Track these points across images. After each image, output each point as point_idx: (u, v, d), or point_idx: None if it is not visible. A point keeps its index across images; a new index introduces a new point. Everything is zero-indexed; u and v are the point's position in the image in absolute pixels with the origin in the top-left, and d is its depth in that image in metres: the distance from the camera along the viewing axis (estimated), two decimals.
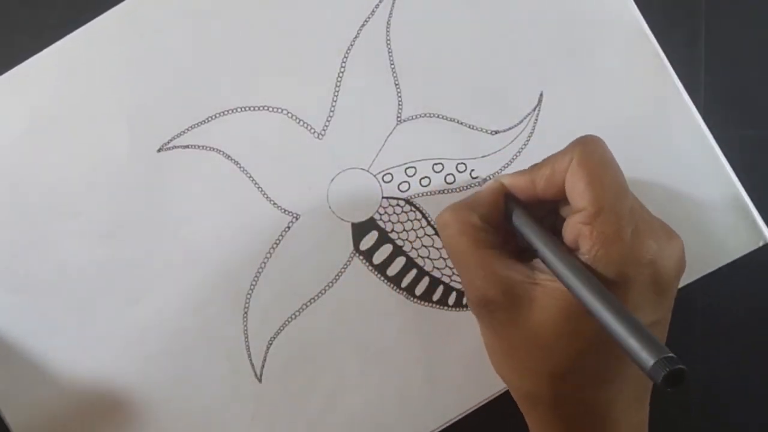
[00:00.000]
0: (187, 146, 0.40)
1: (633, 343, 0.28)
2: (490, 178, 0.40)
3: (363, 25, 0.40)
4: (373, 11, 0.40)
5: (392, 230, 0.40)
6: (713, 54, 0.43)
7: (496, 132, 0.40)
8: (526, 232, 0.34)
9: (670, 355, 0.26)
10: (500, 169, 0.40)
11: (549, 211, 0.36)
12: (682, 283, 0.40)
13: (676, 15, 0.42)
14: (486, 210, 0.35)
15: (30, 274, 0.39)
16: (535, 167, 0.35)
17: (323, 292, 0.40)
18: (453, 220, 0.35)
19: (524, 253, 0.35)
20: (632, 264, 0.32)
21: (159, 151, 0.39)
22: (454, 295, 0.40)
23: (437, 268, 0.40)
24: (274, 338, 0.39)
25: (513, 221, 0.35)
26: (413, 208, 0.40)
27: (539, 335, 0.32)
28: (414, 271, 0.40)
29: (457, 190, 0.40)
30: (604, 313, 0.29)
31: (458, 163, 0.40)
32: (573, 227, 0.33)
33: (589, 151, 0.33)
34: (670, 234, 0.35)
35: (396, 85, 0.40)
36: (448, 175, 0.40)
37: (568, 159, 0.33)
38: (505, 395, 0.40)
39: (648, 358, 0.27)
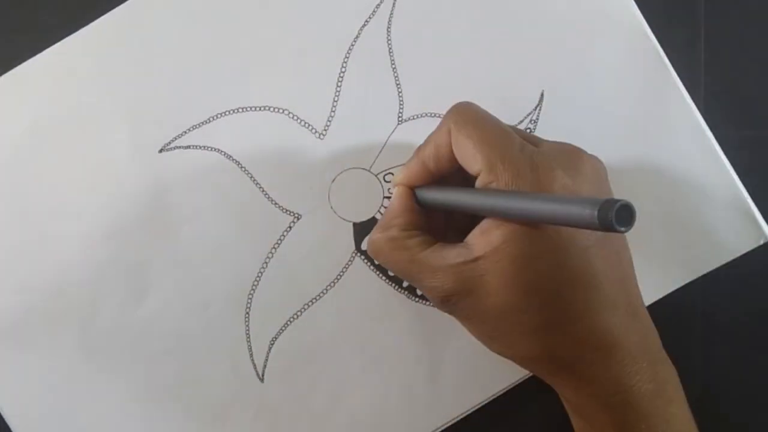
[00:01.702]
0: (188, 147, 0.39)
1: (573, 209, 0.27)
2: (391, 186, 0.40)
3: (364, 25, 0.40)
4: (374, 11, 0.40)
5: None
6: (713, 54, 0.43)
7: None
8: (440, 200, 0.35)
9: (608, 198, 0.26)
10: None
11: (457, 184, 0.36)
12: (682, 282, 0.40)
13: (676, 15, 0.42)
14: (403, 218, 0.36)
15: (31, 274, 0.39)
16: (419, 149, 0.36)
17: (325, 291, 0.40)
18: (379, 243, 0.36)
19: (467, 233, 0.35)
20: None
21: (160, 151, 0.39)
22: None
23: None
24: (276, 338, 0.39)
25: (426, 204, 0.36)
26: None
27: (504, 302, 0.32)
28: None
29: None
30: (540, 204, 0.29)
31: None
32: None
33: (463, 114, 0.34)
34: (572, 152, 0.35)
35: (397, 84, 0.40)
36: None
37: (446, 131, 0.34)
38: (505, 395, 0.40)
39: (591, 212, 0.26)
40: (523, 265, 0.32)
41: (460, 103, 0.35)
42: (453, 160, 0.34)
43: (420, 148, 0.36)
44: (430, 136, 0.35)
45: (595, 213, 0.26)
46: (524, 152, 0.33)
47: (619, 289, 0.33)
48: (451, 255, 0.33)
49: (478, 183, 0.33)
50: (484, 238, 0.32)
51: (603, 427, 0.34)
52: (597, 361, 0.33)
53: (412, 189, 0.36)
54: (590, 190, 0.34)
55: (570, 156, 0.34)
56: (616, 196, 0.34)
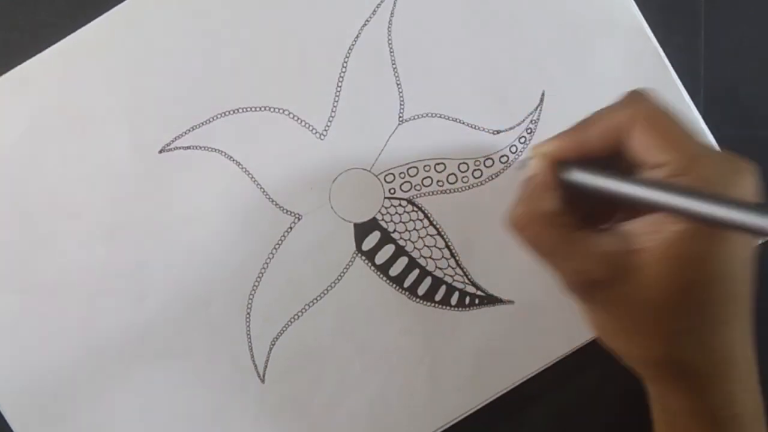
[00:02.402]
0: (188, 147, 0.39)
1: (751, 218, 0.28)
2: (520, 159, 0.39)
3: (364, 25, 0.40)
4: (374, 11, 0.40)
5: (394, 230, 0.40)
6: (713, 54, 0.43)
7: (498, 131, 0.40)
8: (609, 187, 0.33)
9: None
10: (503, 167, 0.40)
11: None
12: None
13: (676, 15, 0.42)
14: (554, 192, 0.34)
15: (32, 274, 0.39)
16: (584, 125, 0.34)
17: (325, 292, 0.39)
18: (528, 217, 0.33)
19: (596, 220, 0.34)
20: None
21: (160, 152, 0.39)
22: (456, 295, 0.40)
23: (439, 268, 0.40)
24: (277, 339, 0.39)
25: (584, 185, 0.34)
26: (415, 208, 0.40)
27: (656, 299, 0.31)
28: (416, 271, 0.40)
29: (460, 190, 0.40)
30: (717, 209, 0.29)
31: (460, 163, 0.40)
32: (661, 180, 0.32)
33: (653, 102, 0.33)
34: (743, 166, 0.33)
35: (398, 84, 0.40)
36: (450, 174, 0.40)
37: (628, 114, 0.32)
38: (505, 396, 0.40)
39: None
40: (689, 265, 0.31)
41: (644, 89, 0.33)
42: (616, 146, 0.33)
43: (584, 124, 0.34)
44: (597, 116, 0.33)
45: None
46: (712, 156, 0.32)
47: (749, 305, 0.33)
48: (606, 241, 0.32)
49: (660, 173, 0.32)
50: (653, 231, 0.31)
51: None
52: (719, 374, 0.33)
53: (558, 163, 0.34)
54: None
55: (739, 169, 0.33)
56: None
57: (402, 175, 0.40)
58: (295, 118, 0.40)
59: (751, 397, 0.33)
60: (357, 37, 0.40)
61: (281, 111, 0.40)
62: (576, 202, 0.34)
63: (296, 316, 0.39)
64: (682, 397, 0.34)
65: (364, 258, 0.40)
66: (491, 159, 0.40)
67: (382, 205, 0.40)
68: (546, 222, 0.33)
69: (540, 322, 0.40)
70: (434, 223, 0.40)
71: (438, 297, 0.40)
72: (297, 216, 0.40)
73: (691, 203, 0.30)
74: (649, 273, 0.31)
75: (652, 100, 0.33)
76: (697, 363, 0.33)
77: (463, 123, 0.40)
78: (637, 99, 0.33)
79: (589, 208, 0.35)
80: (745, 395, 0.33)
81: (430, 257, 0.40)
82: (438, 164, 0.40)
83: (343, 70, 0.40)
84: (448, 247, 0.40)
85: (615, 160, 0.33)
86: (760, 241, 0.41)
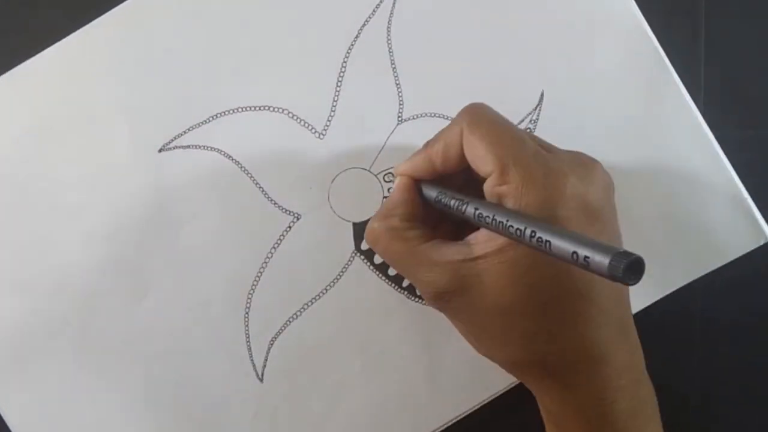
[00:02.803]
0: (188, 146, 0.39)
1: (584, 252, 0.27)
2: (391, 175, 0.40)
3: (364, 25, 0.40)
4: (374, 11, 0.40)
5: None
6: (713, 54, 0.43)
7: None
8: (450, 205, 0.34)
9: (622, 250, 0.26)
10: None
11: (462, 183, 0.36)
12: (682, 282, 0.40)
13: (676, 14, 0.42)
14: (404, 209, 0.35)
15: (32, 274, 0.39)
16: (428, 145, 0.36)
17: (324, 291, 0.40)
18: (378, 232, 0.35)
19: (461, 228, 0.35)
20: (557, 204, 0.32)
21: (160, 151, 0.39)
22: None
23: None
24: (276, 338, 0.39)
25: (435, 202, 0.35)
26: None
27: (499, 304, 0.32)
28: None
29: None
30: (551, 237, 0.29)
31: None
32: (491, 193, 0.33)
33: (477, 116, 0.34)
34: (586, 162, 0.34)
35: (397, 84, 0.40)
36: None
37: (458, 130, 0.34)
38: (506, 395, 0.40)
39: (602, 259, 0.26)
40: (525, 270, 0.32)
41: (473, 103, 0.35)
42: (461, 160, 0.34)
43: (429, 143, 0.36)
44: (440, 134, 0.35)
45: (606, 264, 0.26)
46: (537, 157, 0.33)
47: (613, 304, 0.33)
48: (450, 252, 0.33)
49: (489, 185, 0.33)
50: (487, 239, 0.32)
51: None
52: (582, 372, 0.33)
53: (414, 181, 0.36)
54: (599, 201, 0.33)
55: (585, 165, 0.34)
56: (616, 200, 0.35)
57: None
58: (295, 118, 0.40)
59: (625, 394, 0.33)
60: (356, 37, 0.40)
61: (280, 110, 0.40)
62: (443, 214, 0.36)
63: (295, 316, 0.39)
64: (552, 396, 0.34)
65: (363, 257, 0.40)
66: None
67: (382, 204, 0.40)
68: (393, 236, 0.35)
69: None
70: None
71: None
72: (296, 215, 0.40)
73: (497, 227, 0.31)
74: (489, 279, 0.32)
75: (475, 113, 0.34)
76: (554, 363, 0.33)
77: None
78: (463, 113, 0.34)
79: (455, 226, 0.36)
80: (618, 393, 0.33)
81: None
82: None
83: (343, 69, 0.40)
84: None
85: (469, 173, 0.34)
86: (761, 242, 0.41)
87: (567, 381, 0.33)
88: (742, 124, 0.43)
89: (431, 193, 0.36)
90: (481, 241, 0.33)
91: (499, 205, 0.32)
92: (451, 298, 0.33)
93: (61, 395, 0.39)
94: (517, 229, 0.30)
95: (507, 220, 0.31)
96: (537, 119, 0.40)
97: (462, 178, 0.35)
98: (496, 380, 0.40)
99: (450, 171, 0.35)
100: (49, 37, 0.39)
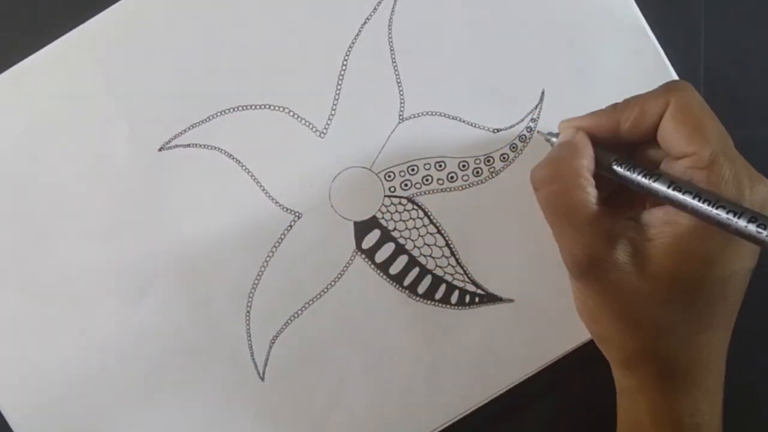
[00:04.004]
0: (188, 145, 0.39)
1: (751, 228, 0.29)
2: (546, 132, 0.39)
3: (365, 23, 0.40)
4: (375, 9, 0.40)
5: (394, 228, 0.40)
6: (713, 54, 0.43)
7: (498, 130, 0.40)
8: (630, 174, 0.33)
9: None
10: (503, 166, 0.40)
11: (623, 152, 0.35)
12: None
13: (676, 15, 0.43)
14: (588, 162, 0.34)
15: (32, 273, 0.39)
16: (616, 108, 0.35)
17: (325, 290, 0.39)
18: (556, 172, 0.33)
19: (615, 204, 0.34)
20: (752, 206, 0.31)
21: (160, 150, 0.39)
22: (456, 293, 0.40)
23: (439, 267, 0.40)
24: (277, 337, 0.39)
25: (605, 167, 0.34)
26: (415, 207, 0.40)
27: (651, 289, 0.32)
28: (416, 270, 0.40)
29: (460, 188, 0.40)
30: (722, 212, 0.30)
31: (460, 161, 0.40)
32: (682, 171, 0.32)
33: (689, 95, 0.33)
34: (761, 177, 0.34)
35: (398, 83, 0.40)
36: (450, 173, 0.40)
37: (662, 103, 0.33)
38: (506, 395, 0.40)
39: None
40: (693, 263, 0.32)
41: (682, 81, 0.34)
42: (650, 132, 0.33)
43: (618, 106, 0.34)
44: (634, 101, 0.34)
45: None
46: (741, 158, 0.32)
47: (735, 314, 0.34)
48: (621, 225, 0.32)
49: (684, 165, 0.32)
50: (666, 224, 0.32)
51: None
52: (692, 378, 0.33)
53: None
54: None
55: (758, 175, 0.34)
56: None
57: (402, 174, 0.40)
58: (296, 116, 0.40)
59: (714, 410, 0.33)
60: (357, 35, 0.40)
61: (281, 109, 0.40)
62: (596, 184, 0.34)
63: (296, 315, 0.39)
64: (651, 395, 0.34)
65: (364, 256, 0.40)
66: (491, 157, 0.40)
67: (382, 204, 0.40)
68: (577, 183, 0.33)
69: (540, 320, 0.40)
70: (434, 221, 0.40)
71: (438, 295, 0.40)
72: (297, 214, 0.40)
73: (698, 204, 0.31)
74: (656, 261, 0.32)
75: (688, 92, 0.33)
76: (673, 361, 0.33)
77: (464, 121, 0.40)
78: (672, 89, 0.33)
79: (606, 194, 0.35)
80: (710, 407, 0.33)
81: (430, 256, 0.40)
82: (438, 163, 0.40)
83: (344, 68, 0.40)
84: (448, 245, 0.40)
85: (638, 146, 0.34)
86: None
87: (675, 382, 0.33)
88: (741, 124, 0.43)
89: (604, 157, 0.34)
90: (658, 223, 0.32)
91: (706, 189, 0.32)
92: (608, 270, 0.32)
93: (61, 394, 0.39)
94: (730, 211, 0.30)
95: (717, 201, 0.30)
96: (538, 118, 0.40)
97: (621, 151, 0.35)
98: (497, 380, 0.40)
99: (630, 139, 0.34)
100: (48, 35, 0.39)
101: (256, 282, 0.39)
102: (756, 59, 0.43)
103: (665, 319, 0.33)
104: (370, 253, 0.40)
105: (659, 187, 0.32)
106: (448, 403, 0.40)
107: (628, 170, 0.33)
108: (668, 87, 0.34)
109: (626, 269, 0.32)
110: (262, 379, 0.39)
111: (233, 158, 0.39)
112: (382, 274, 0.40)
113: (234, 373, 0.39)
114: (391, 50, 0.40)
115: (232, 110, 0.39)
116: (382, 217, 0.40)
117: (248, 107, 0.40)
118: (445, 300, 0.40)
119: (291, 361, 0.39)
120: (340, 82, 0.40)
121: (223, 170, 0.39)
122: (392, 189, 0.40)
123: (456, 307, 0.40)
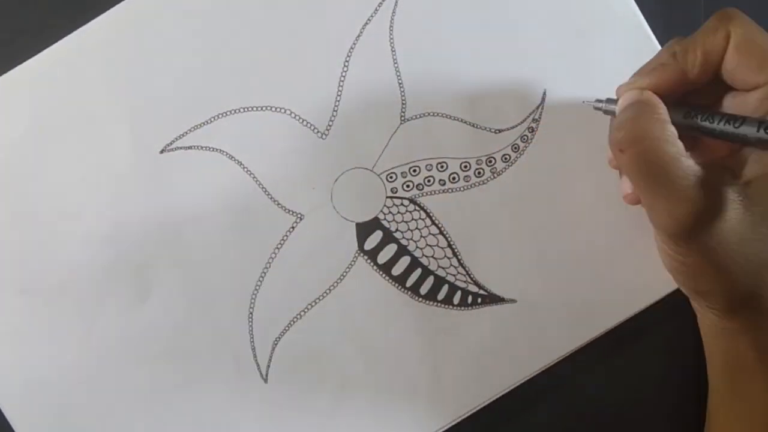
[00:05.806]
0: (189, 147, 0.39)
1: None
2: (594, 100, 0.37)
3: (366, 24, 0.40)
4: (376, 9, 0.40)
5: (396, 230, 0.40)
6: None
7: (500, 130, 0.40)
8: (711, 124, 0.32)
9: None
10: (505, 166, 0.40)
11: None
12: None
13: (676, 15, 0.43)
14: (666, 115, 0.32)
15: (33, 275, 0.39)
16: (675, 58, 0.33)
17: (328, 291, 0.39)
18: (643, 131, 0.32)
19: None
20: None
21: (161, 152, 0.39)
22: (458, 294, 0.40)
23: (442, 267, 0.40)
24: (279, 338, 0.39)
25: (695, 119, 0.33)
26: (417, 208, 0.40)
27: (761, 231, 0.31)
28: (419, 271, 0.40)
29: (461, 189, 0.40)
30: None
31: (462, 162, 0.40)
32: (757, 103, 0.31)
33: (747, 23, 0.32)
34: None
35: (399, 84, 0.40)
36: (452, 174, 0.40)
37: (722, 37, 0.32)
38: (507, 395, 0.40)
39: None
40: None
41: (730, 8, 0.32)
42: (716, 70, 0.32)
43: (675, 56, 0.33)
44: (693, 44, 0.33)
45: None
46: None
47: None
48: (717, 172, 0.31)
49: (760, 96, 0.31)
50: (756, 161, 0.32)
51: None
52: None
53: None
54: None
55: None
56: None
57: (404, 175, 0.40)
58: (297, 118, 0.40)
59: None
60: (358, 36, 0.40)
61: (283, 110, 0.40)
62: None
63: (299, 316, 0.39)
64: (755, 334, 0.33)
65: (366, 257, 0.40)
66: (493, 158, 0.40)
67: (384, 205, 0.40)
68: (660, 139, 0.31)
69: (542, 321, 0.40)
70: (436, 222, 0.40)
71: (440, 296, 0.40)
72: (299, 216, 0.39)
73: None
74: (757, 205, 0.31)
75: (743, 18, 0.32)
76: None
77: (465, 122, 0.40)
78: (726, 19, 0.32)
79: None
80: None
81: (432, 256, 0.40)
82: (440, 163, 0.40)
83: (345, 69, 0.40)
84: (450, 246, 0.40)
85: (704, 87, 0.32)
86: None
87: None
88: None
89: (673, 111, 0.33)
90: (751, 164, 0.31)
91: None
92: (715, 224, 0.31)
93: (63, 395, 0.39)
94: None
95: None
96: (539, 118, 0.40)
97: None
98: (499, 380, 0.40)
99: (698, 84, 0.33)
100: (49, 37, 0.39)
101: (259, 283, 0.39)
102: None
103: (765, 258, 0.31)
104: (372, 255, 0.40)
105: (747, 130, 0.31)
106: (450, 404, 0.40)
107: (706, 120, 0.32)
108: (721, 18, 0.32)
109: (732, 219, 0.31)
110: (265, 380, 0.39)
111: (235, 160, 0.39)
112: (384, 275, 0.40)
113: (237, 375, 0.39)
114: (393, 51, 0.40)
115: (233, 112, 0.39)
116: (384, 218, 0.40)
117: (249, 109, 0.40)
118: (447, 301, 0.40)
119: (294, 363, 0.39)
120: (341, 83, 0.40)
121: (225, 172, 0.39)
122: (394, 190, 0.40)
123: (458, 308, 0.40)
